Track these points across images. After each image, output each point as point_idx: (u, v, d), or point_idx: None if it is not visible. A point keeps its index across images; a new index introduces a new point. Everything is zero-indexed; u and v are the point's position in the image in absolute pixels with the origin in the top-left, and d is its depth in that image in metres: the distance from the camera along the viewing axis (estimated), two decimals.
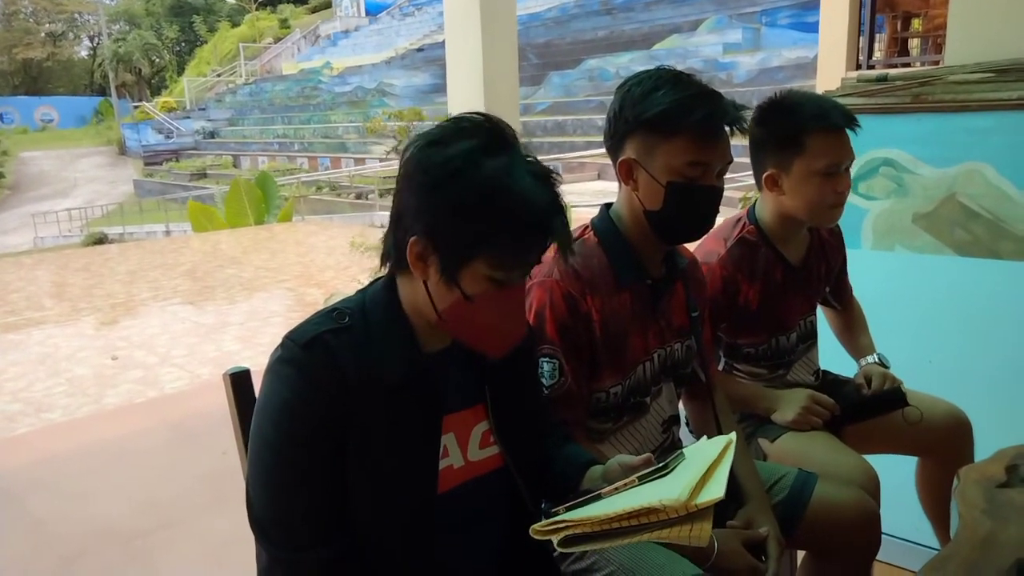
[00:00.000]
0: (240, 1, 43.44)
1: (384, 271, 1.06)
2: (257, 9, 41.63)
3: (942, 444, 1.76)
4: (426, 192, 0.95)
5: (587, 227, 1.40)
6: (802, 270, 1.74)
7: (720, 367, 1.75)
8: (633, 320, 1.36)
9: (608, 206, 1.42)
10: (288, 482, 0.97)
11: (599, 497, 0.98)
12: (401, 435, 1.00)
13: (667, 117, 1.24)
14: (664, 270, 1.42)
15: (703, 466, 0.95)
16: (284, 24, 40.31)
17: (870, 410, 1.75)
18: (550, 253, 1.35)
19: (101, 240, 16.76)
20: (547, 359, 1.30)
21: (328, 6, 39.87)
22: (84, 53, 50.70)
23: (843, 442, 1.66)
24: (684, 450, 1.03)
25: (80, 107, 42.00)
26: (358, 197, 15.69)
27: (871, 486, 1.52)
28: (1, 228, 22.37)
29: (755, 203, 1.73)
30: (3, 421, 4.31)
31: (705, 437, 1.09)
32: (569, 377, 1.30)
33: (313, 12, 41.57)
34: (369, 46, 30.76)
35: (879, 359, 1.86)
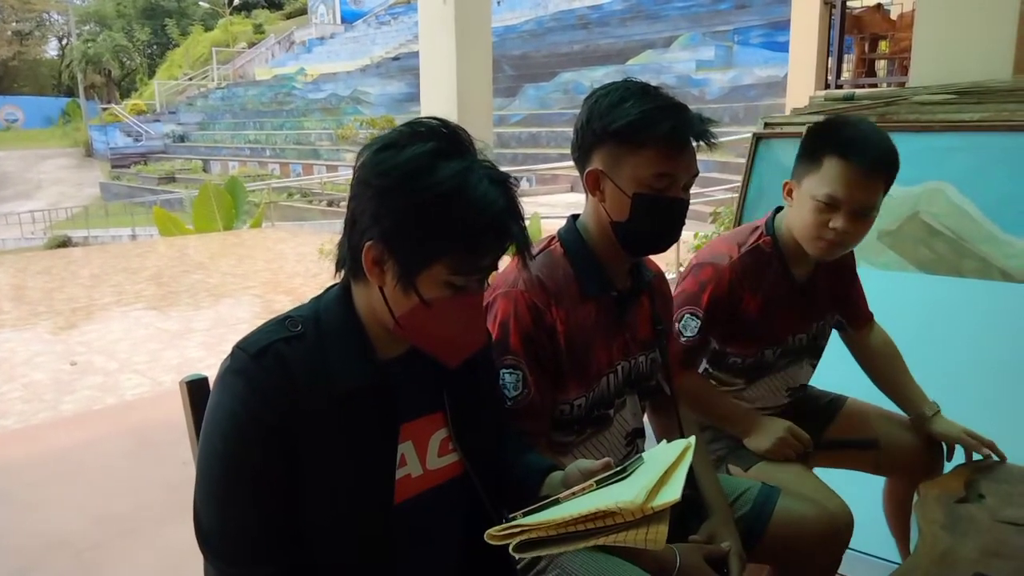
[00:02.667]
0: (214, 5, 43.07)
1: (339, 278, 1.04)
2: (231, 14, 41.30)
3: (910, 464, 1.76)
4: (381, 196, 0.93)
5: (553, 238, 1.39)
6: (806, 288, 1.71)
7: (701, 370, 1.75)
8: (598, 332, 1.35)
9: (575, 217, 1.41)
10: (237, 496, 0.94)
11: (557, 502, 0.97)
12: (356, 445, 0.98)
13: (634, 129, 1.24)
14: (630, 282, 1.42)
15: (660, 469, 0.95)
16: (258, 29, 40.01)
17: (843, 446, 1.77)
18: (513, 264, 1.34)
19: (64, 243, 16.41)
20: (510, 370, 1.28)
21: (303, 12, 39.68)
22: (52, 53, 49.85)
23: (812, 461, 1.67)
24: (643, 455, 1.03)
25: (47, 107, 41.18)
26: (329, 204, 15.57)
27: (844, 524, 1.49)
28: None
29: (775, 214, 1.71)
30: None
31: (664, 442, 1.08)
32: (532, 389, 1.28)
33: (288, 18, 41.34)
34: (344, 53, 30.64)
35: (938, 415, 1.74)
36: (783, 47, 11.49)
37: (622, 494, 0.89)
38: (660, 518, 0.88)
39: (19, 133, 37.91)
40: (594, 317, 1.35)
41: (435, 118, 0.98)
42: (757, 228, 1.72)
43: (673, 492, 0.89)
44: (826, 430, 1.82)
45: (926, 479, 1.67)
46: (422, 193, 0.92)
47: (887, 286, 2.41)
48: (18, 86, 46.13)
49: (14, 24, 46.76)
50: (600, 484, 0.97)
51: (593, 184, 1.32)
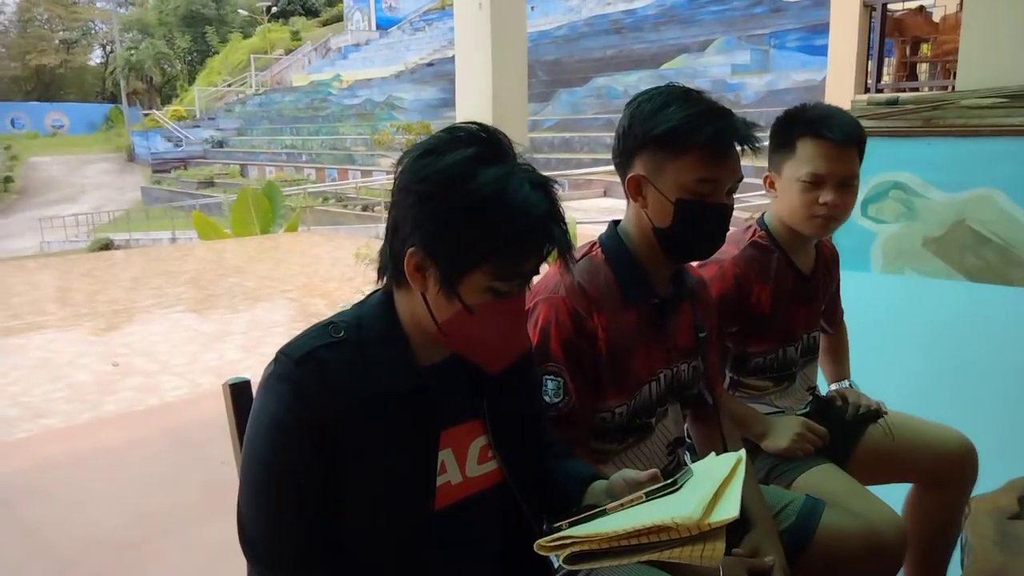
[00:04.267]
0: (252, 13, 43.85)
1: (381, 284, 1.04)
2: (269, 21, 41.99)
3: (946, 472, 1.72)
4: (423, 202, 0.93)
5: (595, 244, 1.38)
6: (811, 280, 1.74)
7: (725, 384, 1.73)
8: (639, 339, 1.34)
9: (616, 223, 1.40)
10: (281, 501, 0.95)
11: (604, 513, 0.96)
12: (397, 450, 0.98)
13: (677, 134, 1.23)
14: (672, 289, 1.40)
15: (714, 483, 0.93)
16: (295, 36, 40.62)
17: (855, 430, 1.75)
18: (554, 269, 1.34)
19: (107, 246, 16.81)
20: (551, 377, 1.27)
21: (339, 19, 40.21)
22: (97, 61, 51.17)
23: (847, 472, 1.63)
24: (692, 466, 1.01)
25: (91, 114, 42.30)
26: (364, 209, 15.73)
27: (894, 540, 1.46)
28: (8, 232, 22.46)
29: (764, 212, 1.74)
30: (1, 426, 4.28)
31: (713, 453, 1.06)
32: (573, 396, 1.27)
33: (324, 25, 41.90)
34: (379, 60, 30.96)
35: (852, 385, 1.89)
36: (821, 51, 11.33)
37: (677, 508, 0.87)
38: (716, 535, 0.86)
39: (64, 139, 38.98)
40: (635, 324, 1.34)
41: (474, 123, 0.98)
42: (750, 226, 1.74)
43: (730, 509, 0.87)
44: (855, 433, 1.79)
45: (959, 486, 1.67)
46: (463, 199, 0.91)
47: (932, 294, 2.36)
48: (64, 93, 47.41)
49: (61, 33, 48.15)
50: (650, 496, 0.95)
51: (635, 190, 1.31)
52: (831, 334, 1.96)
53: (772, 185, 1.66)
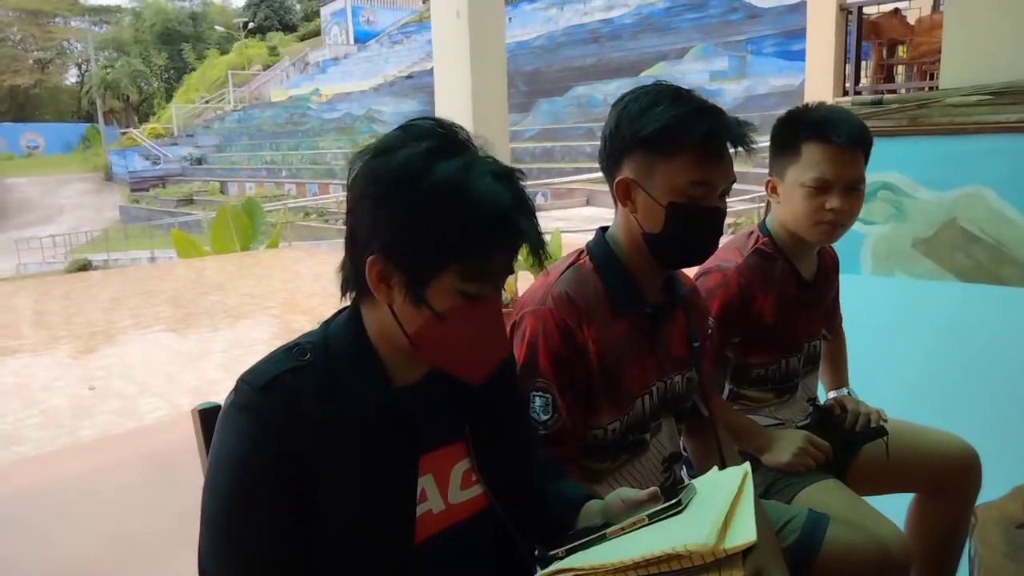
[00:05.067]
0: (229, 29, 43.67)
1: (348, 301, 0.97)
2: (246, 37, 41.85)
3: (949, 481, 1.67)
4: (377, 205, 0.87)
5: (582, 252, 1.32)
6: (814, 288, 1.68)
7: (724, 395, 1.67)
8: (631, 350, 1.28)
9: (604, 229, 1.34)
10: (247, 546, 0.87)
11: (604, 538, 0.89)
12: (373, 480, 0.91)
13: (667, 134, 1.17)
14: (664, 297, 1.34)
15: (724, 503, 0.86)
16: (273, 52, 40.52)
17: (855, 443, 1.70)
18: (541, 280, 1.27)
19: (85, 267, 16.54)
20: (539, 393, 1.21)
21: (317, 34, 40.15)
22: (72, 80, 50.72)
23: (845, 483, 1.58)
24: (694, 483, 0.94)
25: (67, 133, 41.85)
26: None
27: (899, 553, 1.40)
28: None
29: (766, 216, 1.69)
30: None
31: (715, 468, 1.00)
32: (563, 413, 1.21)
33: (302, 40, 41.83)
34: (358, 73, 30.92)
35: (851, 393, 1.84)
36: (797, 56, 11.41)
37: (686, 533, 0.81)
38: (733, 561, 0.80)
39: (40, 159, 38.53)
40: (627, 335, 1.27)
41: (430, 118, 0.91)
42: (752, 232, 1.68)
43: (746, 531, 0.81)
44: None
45: (963, 494, 1.62)
46: (421, 196, 0.85)
47: (923, 295, 2.32)
48: (39, 113, 46.96)
49: (35, 53, 47.71)
50: (653, 518, 0.89)
51: (624, 194, 1.25)
52: (830, 340, 1.91)
53: (774, 190, 1.60)
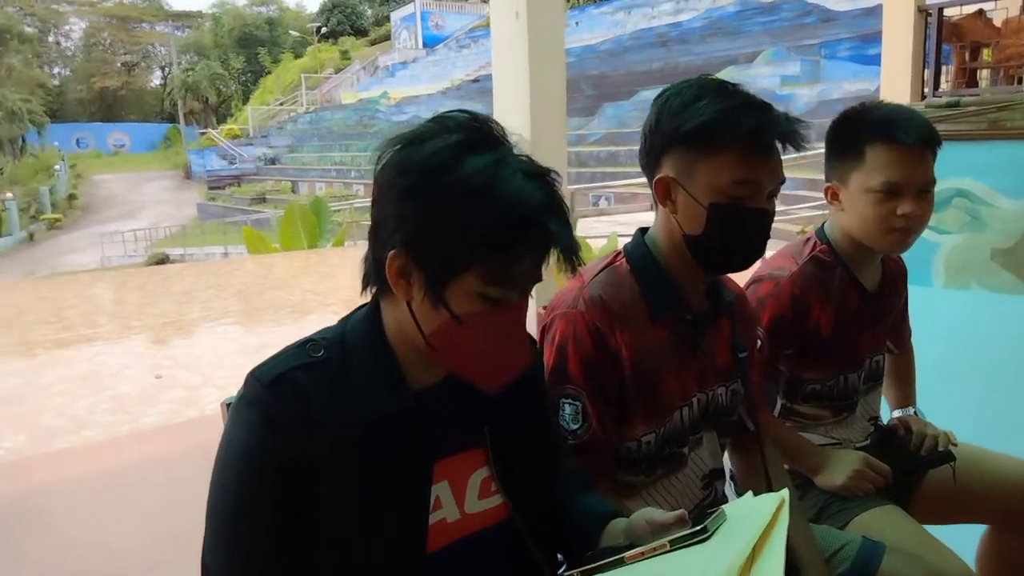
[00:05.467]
0: (303, 33, 44.91)
1: (368, 297, 0.94)
2: (319, 41, 42.98)
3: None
4: (403, 197, 0.83)
5: (618, 253, 1.26)
6: (877, 300, 1.58)
7: (776, 411, 1.58)
8: (669, 359, 1.21)
9: (644, 231, 1.28)
10: (250, 544, 0.85)
11: (622, 562, 0.84)
12: (383, 485, 0.87)
13: (710, 129, 1.10)
14: (707, 304, 1.27)
15: (753, 533, 0.79)
16: (345, 56, 41.47)
17: (920, 467, 1.58)
18: (574, 282, 1.22)
19: (163, 260, 17.24)
20: (569, 400, 1.16)
21: (387, 39, 40.89)
22: (156, 82, 53.03)
23: (907, 511, 1.47)
24: (725, 508, 0.87)
25: (150, 133, 43.82)
26: None
27: None
28: (71, 247, 23.27)
29: (824, 222, 1.59)
30: (45, 436, 4.33)
31: (750, 493, 0.93)
32: (594, 422, 1.15)
33: (372, 44, 42.70)
34: (426, 77, 31.34)
35: (918, 413, 1.72)
36: (874, 60, 10.97)
37: (708, 565, 0.75)
38: None
39: (125, 157, 40.45)
40: (665, 343, 1.21)
41: (464, 110, 0.88)
42: (809, 239, 1.58)
43: (774, 567, 0.74)
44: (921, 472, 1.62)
45: None
46: (446, 191, 0.81)
47: (1001, 310, 2.17)
48: (125, 114, 49.29)
49: (123, 56, 50.12)
50: (675, 545, 0.82)
51: (663, 193, 1.19)
52: (896, 355, 1.79)
53: (836, 197, 1.49)
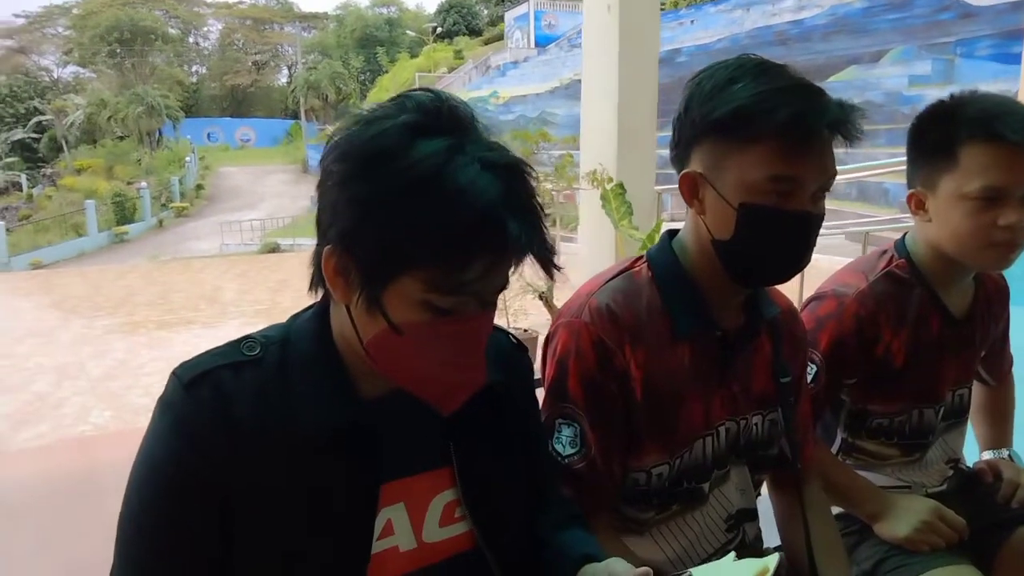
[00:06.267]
0: (420, 34, 46.07)
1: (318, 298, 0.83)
2: (435, 41, 43.94)
3: None
4: (340, 185, 0.72)
5: (640, 258, 1.11)
6: (965, 326, 1.34)
7: (836, 446, 1.38)
8: (693, 382, 1.05)
9: (673, 233, 1.12)
10: (145, 562, 0.75)
11: None
12: (318, 507, 0.76)
13: (742, 117, 0.93)
14: (743, 319, 1.10)
15: None
16: (458, 55, 42.15)
17: (1007, 522, 1.35)
18: (584, 288, 1.08)
19: (274, 249, 18.07)
20: (567, 422, 1.02)
21: (500, 38, 41.27)
22: (283, 80, 55.74)
23: (986, 573, 1.24)
24: (695, 571, 0.72)
25: (275, 128, 46.09)
26: None
27: None
28: (196, 235, 24.79)
29: (905, 234, 1.37)
30: (130, 414, 4.53)
31: (732, 555, 0.77)
32: (593, 448, 1.01)
33: (486, 44, 43.17)
34: (536, 76, 31.35)
35: (1012, 456, 1.48)
36: (1018, 59, 10.03)
37: None
38: None
39: (250, 151, 42.74)
40: (688, 363, 1.05)
41: (429, 89, 0.75)
42: (886, 252, 1.35)
43: None
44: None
45: None
46: (386, 180, 0.69)
47: None
48: (253, 110, 52.07)
49: (254, 56, 53.00)
50: None
51: (690, 191, 1.02)
52: (992, 388, 1.55)
53: (921, 205, 1.27)
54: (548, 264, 0.76)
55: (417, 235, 0.69)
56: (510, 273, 0.75)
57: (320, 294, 0.82)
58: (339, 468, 0.78)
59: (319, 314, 0.83)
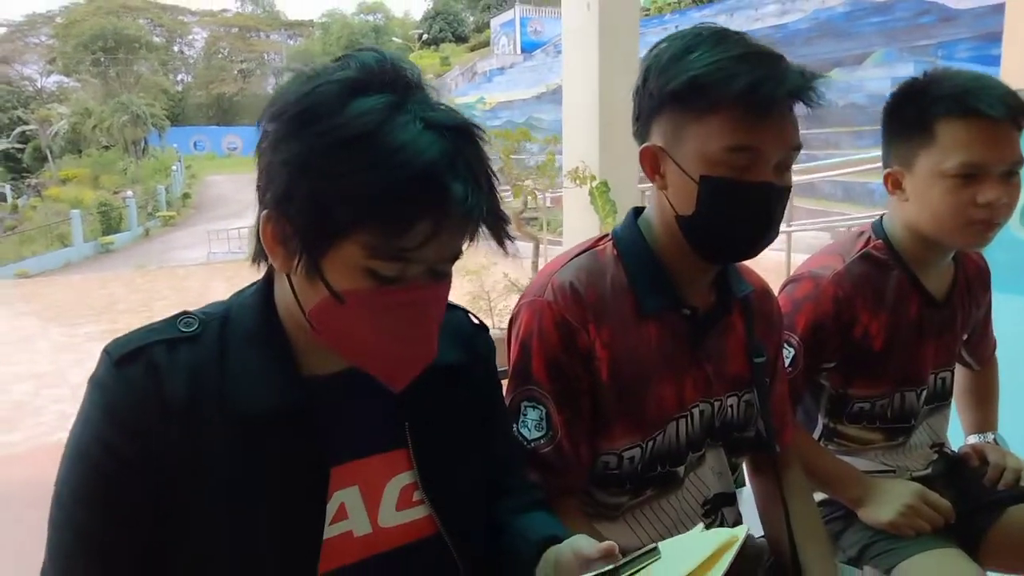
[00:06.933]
0: (406, 40, 46.08)
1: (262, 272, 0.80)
2: (421, 48, 43.97)
3: None
4: (274, 146, 0.69)
5: (605, 236, 1.08)
6: (945, 308, 1.32)
7: (817, 432, 1.36)
8: (662, 362, 1.02)
9: (639, 211, 1.09)
10: (70, 553, 0.71)
11: None
12: (262, 492, 0.73)
13: (698, 87, 0.91)
14: (713, 298, 1.07)
15: (682, 571, 0.62)
16: (445, 62, 42.20)
17: (993, 505, 1.33)
18: (548, 266, 1.05)
19: None
20: (532, 404, 0.98)
21: (487, 45, 41.35)
22: (269, 88, 55.62)
23: (973, 556, 1.22)
24: (662, 544, 0.69)
25: None
26: None
27: None
28: (183, 243, 24.60)
29: (883, 215, 1.35)
30: None
31: (700, 526, 0.74)
32: (559, 431, 0.98)
33: (472, 50, 43.26)
34: (522, 82, 31.42)
35: (997, 440, 1.46)
36: (997, 61, 10.13)
37: None
38: None
39: (238, 159, 42.54)
40: (655, 342, 1.02)
41: (374, 49, 0.72)
42: (863, 233, 1.33)
43: None
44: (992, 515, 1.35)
45: None
46: (321, 137, 0.66)
47: None
48: (240, 118, 51.87)
49: (240, 64, 52.90)
50: None
51: (651, 165, 1.00)
52: (976, 371, 1.53)
53: (898, 184, 1.25)
54: (500, 232, 0.73)
55: (352, 196, 0.65)
56: (462, 243, 0.72)
57: (263, 268, 0.78)
58: (281, 449, 0.74)
59: (262, 288, 0.79)
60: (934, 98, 1.18)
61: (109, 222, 25.91)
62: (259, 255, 0.77)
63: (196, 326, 0.75)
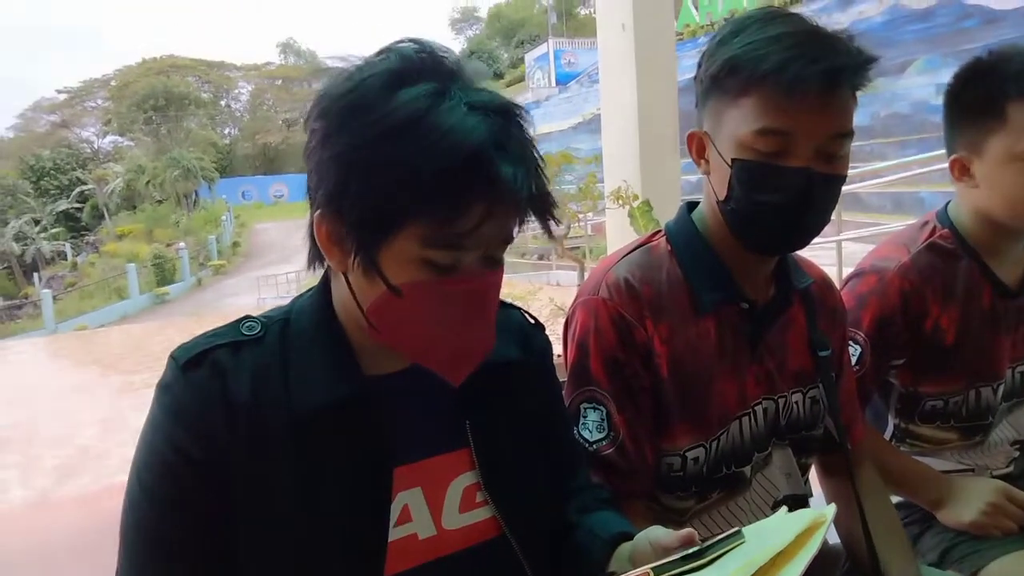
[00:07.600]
0: None
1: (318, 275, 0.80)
2: None
3: None
4: (322, 144, 0.69)
5: (659, 233, 1.06)
6: (1020, 297, 1.26)
7: (888, 433, 1.30)
8: (722, 359, 0.99)
9: (692, 205, 1.07)
10: (144, 553, 0.71)
11: None
12: (326, 492, 0.72)
13: (732, 69, 0.89)
14: (772, 291, 1.04)
15: (759, 559, 0.59)
16: None
17: None
18: (603, 263, 1.03)
19: None
20: (592, 406, 0.96)
21: (521, 79, 41.92)
22: None
23: None
24: (745, 529, 0.66)
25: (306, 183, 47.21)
26: (540, 258, 15.82)
27: None
28: (233, 291, 25.23)
29: (948, 203, 1.29)
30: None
31: (784, 509, 0.70)
32: (622, 432, 0.95)
33: (508, 86, 43.85)
34: (559, 114, 31.71)
35: None
36: None
37: None
38: None
39: (284, 206, 43.67)
40: (715, 338, 0.99)
41: (413, 39, 0.72)
42: (927, 222, 1.28)
43: None
44: None
45: None
46: (369, 129, 0.66)
47: None
48: (285, 166, 53.34)
49: (284, 114, 54.54)
50: (659, 573, 0.62)
51: (697, 150, 0.98)
52: None
53: (966, 171, 1.20)
54: (547, 213, 0.72)
55: (403, 185, 0.65)
56: (513, 225, 0.71)
57: (319, 270, 0.79)
58: (345, 449, 0.73)
59: (321, 290, 0.79)
60: (1003, 77, 1.13)
61: (163, 273, 26.76)
62: (314, 258, 0.77)
63: (259, 329, 0.76)
